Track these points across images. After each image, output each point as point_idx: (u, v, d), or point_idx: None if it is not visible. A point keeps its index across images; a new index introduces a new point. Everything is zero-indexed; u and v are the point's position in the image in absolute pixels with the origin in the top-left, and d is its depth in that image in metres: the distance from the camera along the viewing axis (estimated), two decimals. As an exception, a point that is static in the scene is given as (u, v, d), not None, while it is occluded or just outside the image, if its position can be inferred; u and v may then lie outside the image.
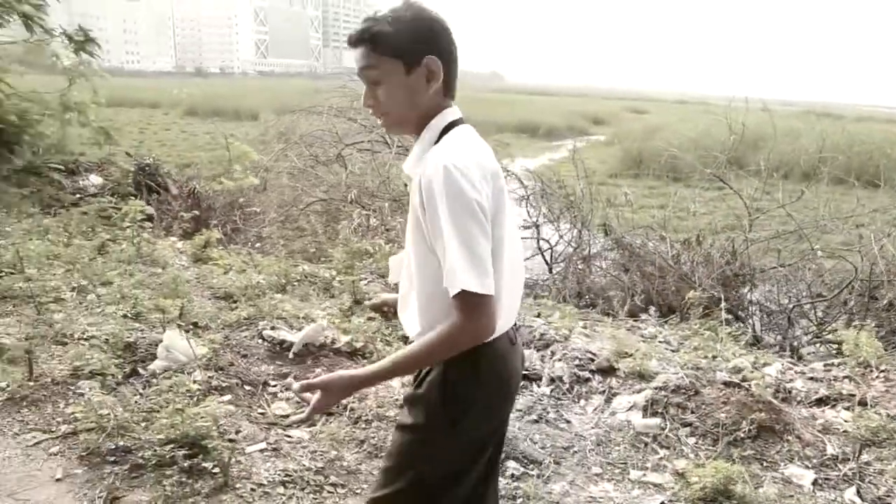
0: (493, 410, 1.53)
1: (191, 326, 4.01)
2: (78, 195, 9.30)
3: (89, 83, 10.32)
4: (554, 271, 7.80)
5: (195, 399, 3.15)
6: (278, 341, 3.97)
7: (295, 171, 8.32)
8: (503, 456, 2.34)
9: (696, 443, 3.27)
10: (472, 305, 1.29)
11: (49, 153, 9.72)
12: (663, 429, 3.36)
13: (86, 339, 3.76)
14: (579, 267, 7.44)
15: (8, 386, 3.17)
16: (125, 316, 4.09)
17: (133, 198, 7.46)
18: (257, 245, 7.23)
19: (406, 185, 1.67)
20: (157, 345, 3.76)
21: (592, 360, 4.05)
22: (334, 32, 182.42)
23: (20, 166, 9.05)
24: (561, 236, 8.14)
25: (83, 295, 4.56)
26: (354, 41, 1.40)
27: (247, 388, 3.52)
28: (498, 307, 1.35)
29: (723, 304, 4.97)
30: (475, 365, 1.43)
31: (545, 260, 8.00)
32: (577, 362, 4.06)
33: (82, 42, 10.09)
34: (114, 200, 8.04)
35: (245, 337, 3.97)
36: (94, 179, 10.53)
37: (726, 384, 3.63)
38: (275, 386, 3.61)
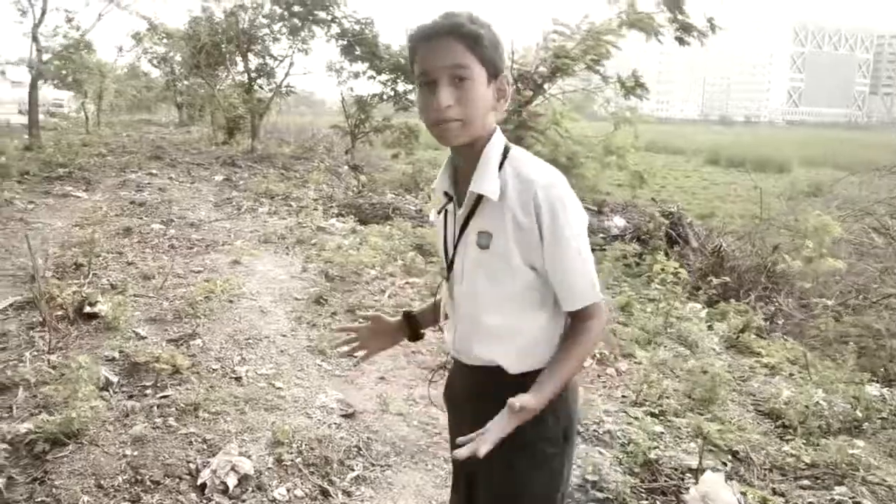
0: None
1: (728, 459, 2.93)
2: (602, 235, 9.35)
3: (631, 128, 10.39)
4: None
5: None
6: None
7: (859, 244, 6.45)
8: None
9: None
10: (601, 311, 1.31)
11: (584, 192, 10.05)
12: None
13: (599, 434, 3.07)
14: None
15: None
16: (652, 414, 3.28)
17: (661, 251, 6.86)
18: (790, 331, 5.75)
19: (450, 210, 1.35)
20: (683, 473, 2.82)
21: None
22: (887, 77, 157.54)
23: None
24: None
25: (604, 365, 3.97)
26: (443, 32, 1.24)
27: None
28: None
29: None
30: None
31: None
32: None
33: (633, 87, 10.18)
34: (638, 249, 7.65)
35: None
36: (618, 221, 10.52)
37: None
38: None
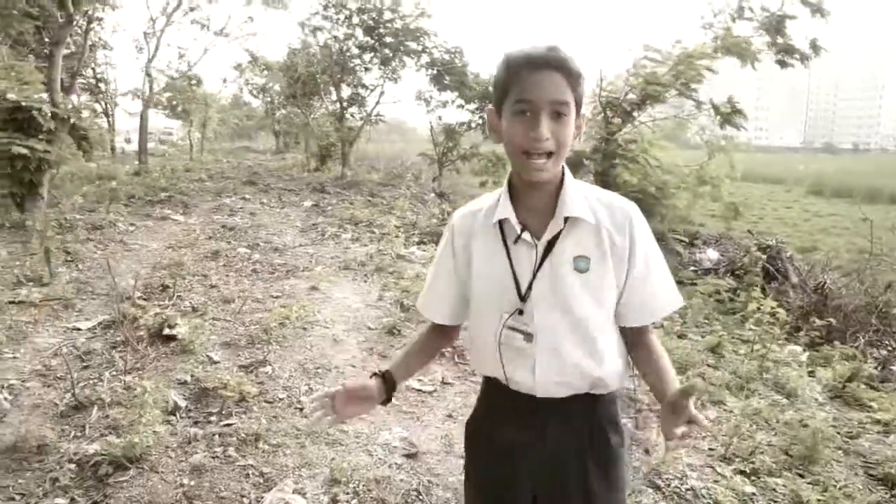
0: None
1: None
2: (693, 268, 8.87)
3: (726, 157, 9.87)
4: None
5: None
6: None
7: None
8: None
9: None
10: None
11: (674, 223, 9.61)
12: None
13: (681, 491, 2.79)
14: None
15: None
16: (742, 472, 2.96)
17: (757, 288, 6.39)
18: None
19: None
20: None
21: None
22: None
23: (648, 233, 9.18)
24: None
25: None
26: (553, 66, 1.26)
27: None
28: None
29: None
30: None
31: None
32: None
33: (729, 114, 9.69)
34: (732, 284, 7.18)
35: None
36: (711, 254, 9.96)
37: None
38: None
